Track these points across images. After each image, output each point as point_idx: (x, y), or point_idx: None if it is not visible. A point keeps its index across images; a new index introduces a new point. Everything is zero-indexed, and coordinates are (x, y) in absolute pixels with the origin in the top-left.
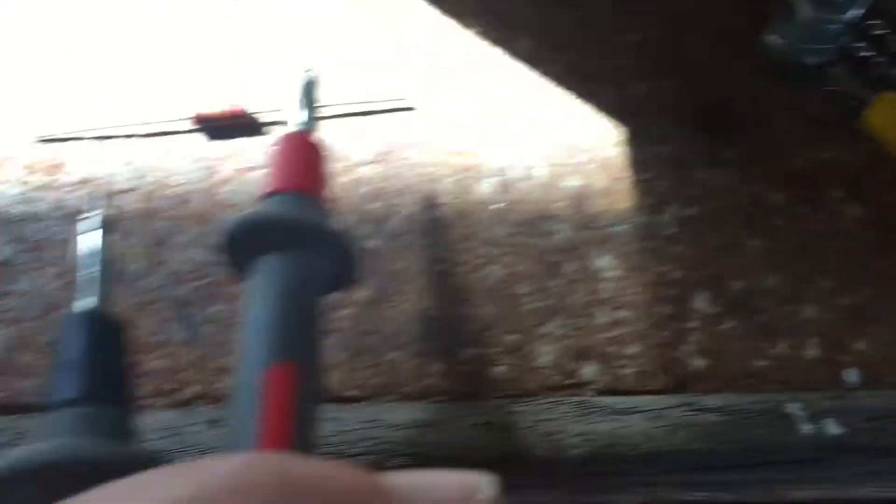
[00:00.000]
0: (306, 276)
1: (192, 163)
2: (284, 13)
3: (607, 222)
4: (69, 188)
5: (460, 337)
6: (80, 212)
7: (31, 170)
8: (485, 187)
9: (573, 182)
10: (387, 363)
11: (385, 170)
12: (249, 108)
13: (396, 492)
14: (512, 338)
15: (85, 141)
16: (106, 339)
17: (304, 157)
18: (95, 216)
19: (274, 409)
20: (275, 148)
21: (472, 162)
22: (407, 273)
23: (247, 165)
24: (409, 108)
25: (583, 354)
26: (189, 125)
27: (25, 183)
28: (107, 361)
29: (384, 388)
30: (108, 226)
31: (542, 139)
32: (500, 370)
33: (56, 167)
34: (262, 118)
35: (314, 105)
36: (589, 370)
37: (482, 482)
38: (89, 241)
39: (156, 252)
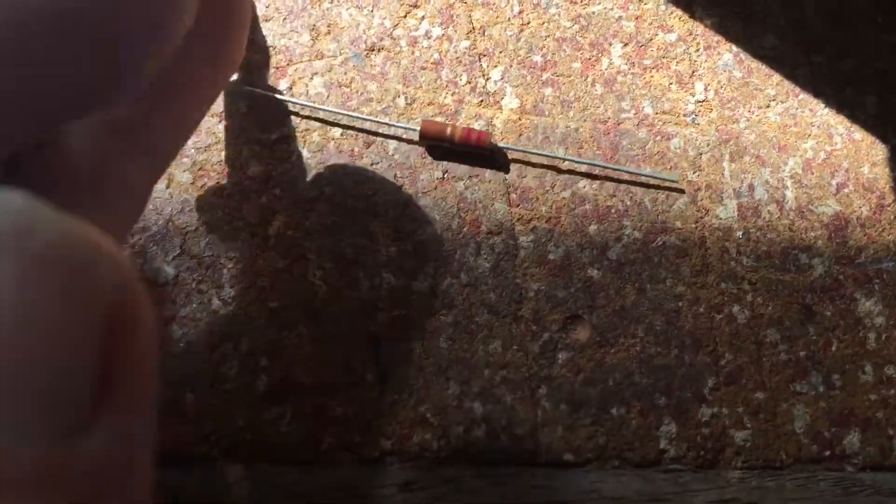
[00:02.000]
0: None
1: (384, 170)
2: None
3: (871, 258)
4: (247, 194)
5: (697, 392)
6: (259, 224)
7: (199, 173)
8: (725, 211)
9: (829, 207)
10: (609, 421)
11: (609, 186)
12: (494, 139)
13: None
14: (758, 396)
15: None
16: None
17: None
18: None
19: None
20: None
21: (711, 179)
22: (634, 311)
23: (451, 176)
24: (680, 191)
25: (843, 420)
26: (416, 135)
27: (195, 186)
28: None
29: (605, 452)
30: None
31: (792, 155)
32: (743, 435)
33: (234, 168)
34: (510, 154)
35: None
36: (851, 439)
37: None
38: None
39: (345, 274)
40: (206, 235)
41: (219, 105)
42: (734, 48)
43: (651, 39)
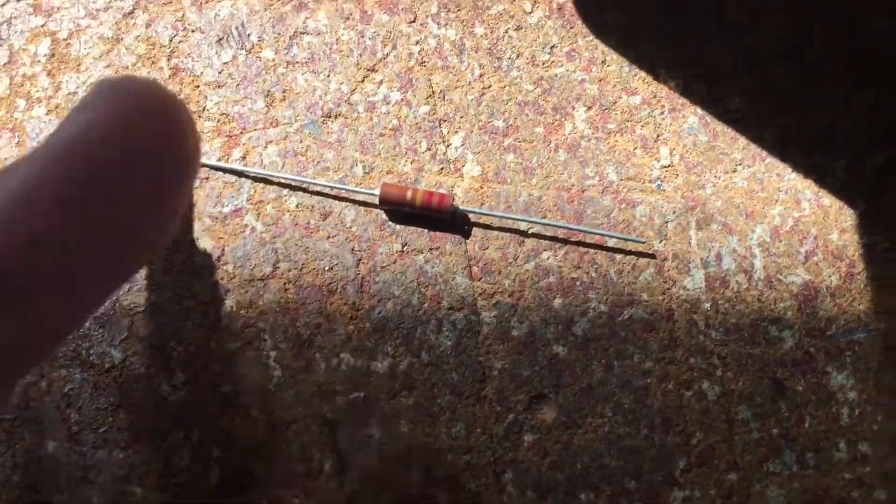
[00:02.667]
0: None
1: (342, 243)
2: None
3: (842, 329)
4: (198, 272)
5: (668, 474)
6: (210, 303)
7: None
8: (692, 281)
9: (798, 276)
10: None
11: (574, 257)
12: (456, 200)
13: None
14: (731, 477)
15: (245, 179)
16: None
17: None
18: None
19: None
20: None
21: (677, 248)
22: (601, 390)
23: (411, 248)
24: (649, 255)
25: (819, 501)
26: (374, 197)
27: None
28: None
29: None
30: None
31: (759, 222)
32: None
33: (185, 244)
34: (476, 218)
35: None
36: None
37: None
38: None
39: (301, 356)
40: (156, 316)
41: None
42: (699, 111)
43: (615, 102)
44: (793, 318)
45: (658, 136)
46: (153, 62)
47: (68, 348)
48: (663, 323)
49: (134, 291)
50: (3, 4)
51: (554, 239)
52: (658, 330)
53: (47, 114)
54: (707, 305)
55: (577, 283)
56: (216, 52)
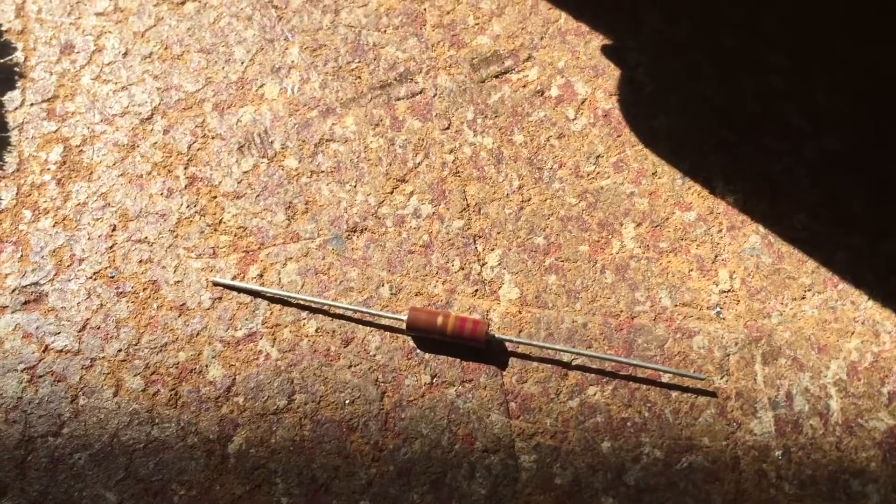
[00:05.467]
0: None
1: (365, 374)
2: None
3: None
4: (206, 404)
5: None
6: (217, 440)
7: (151, 378)
8: (760, 425)
9: (881, 422)
10: None
11: (623, 393)
12: (492, 327)
13: None
14: None
15: (261, 300)
16: None
17: None
18: None
19: None
20: None
21: (741, 386)
22: None
23: (441, 381)
24: (710, 394)
25: None
26: (401, 322)
27: (146, 394)
28: None
29: None
30: None
31: (834, 357)
32: None
33: (192, 372)
34: (514, 347)
35: None
36: None
37: None
38: None
39: (316, 502)
40: (157, 454)
41: (179, 296)
42: (761, 229)
43: (667, 219)
44: (877, 471)
45: (716, 256)
46: (169, 171)
47: (59, 490)
48: (728, 473)
49: (133, 426)
50: (16, 108)
51: (601, 372)
52: (722, 481)
53: (53, 226)
54: (778, 453)
55: (629, 423)
56: (236, 161)
